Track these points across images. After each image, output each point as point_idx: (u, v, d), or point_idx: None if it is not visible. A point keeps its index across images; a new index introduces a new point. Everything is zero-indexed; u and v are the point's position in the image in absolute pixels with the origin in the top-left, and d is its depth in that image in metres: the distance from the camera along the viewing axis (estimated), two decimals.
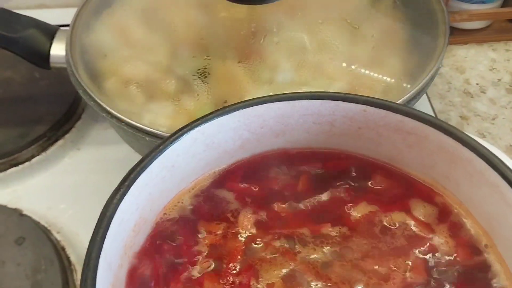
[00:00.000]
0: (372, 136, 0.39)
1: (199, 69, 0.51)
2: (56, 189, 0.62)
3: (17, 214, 0.55)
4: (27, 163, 0.63)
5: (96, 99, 0.49)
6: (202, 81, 0.51)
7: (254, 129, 0.39)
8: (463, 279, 0.33)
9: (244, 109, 0.37)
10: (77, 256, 0.54)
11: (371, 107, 0.37)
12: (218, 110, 0.37)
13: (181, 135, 0.35)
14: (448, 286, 0.32)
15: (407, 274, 0.33)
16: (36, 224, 0.55)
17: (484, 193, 0.34)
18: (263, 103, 0.37)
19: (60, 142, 0.65)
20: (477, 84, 0.70)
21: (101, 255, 0.29)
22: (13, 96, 0.69)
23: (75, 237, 0.56)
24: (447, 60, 0.74)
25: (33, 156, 0.63)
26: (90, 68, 0.54)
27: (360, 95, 0.37)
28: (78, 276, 0.52)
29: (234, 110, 0.37)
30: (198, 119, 0.36)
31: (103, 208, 0.31)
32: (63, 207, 0.59)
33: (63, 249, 0.54)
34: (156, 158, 0.34)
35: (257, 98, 0.37)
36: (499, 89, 0.70)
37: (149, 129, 0.45)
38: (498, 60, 0.74)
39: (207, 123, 0.36)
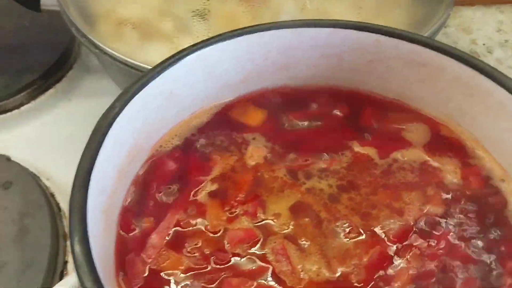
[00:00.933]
0: (383, 70, 0.37)
1: (197, 9, 0.49)
2: (46, 139, 0.59)
3: (4, 159, 0.53)
4: (15, 111, 0.60)
5: (89, 36, 0.46)
6: (201, 21, 0.48)
7: (258, 61, 0.37)
8: (479, 210, 0.31)
9: (249, 35, 0.35)
10: (67, 203, 0.52)
11: (384, 36, 0.35)
12: (220, 34, 0.34)
13: (180, 58, 0.33)
14: (465, 216, 0.30)
15: (423, 207, 0.31)
16: (25, 169, 0.52)
17: (503, 127, 0.32)
18: (269, 29, 0.35)
19: (50, 92, 0.63)
20: (484, 44, 0.68)
21: (92, 175, 0.26)
22: (2, 44, 0.66)
23: (65, 187, 0.54)
24: (453, 21, 0.72)
25: (22, 104, 0.61)
26: (82, 9, 0.52)
27: (373, 24, 0.35)
28: (68, 222, 0.50)
29: (238, 35, 0.35)
30: (199, 42, 0.34)
31: (95, 125, 0.28)
32: (53, 156, 0.57)
33: (52, 195, 0.52)
34: (153, 79, 0.32)
35: (262, 24, 0.35)
36: (506, 49, 0.67)
37: (146, 66, 0.43)
38: (505, 22, 0.71)
39: (208, 48, 0.34)
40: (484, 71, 0.32)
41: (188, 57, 0.33)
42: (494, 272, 0.29)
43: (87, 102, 0.64)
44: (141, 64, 0.43)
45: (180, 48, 0.46)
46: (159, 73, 0.32)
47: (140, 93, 0.31)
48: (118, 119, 0.29)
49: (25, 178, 0.51)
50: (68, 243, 0.48)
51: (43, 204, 0.48)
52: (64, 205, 0.51)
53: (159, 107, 0.33)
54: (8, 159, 0.53)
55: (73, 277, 0.27)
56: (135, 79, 0.31)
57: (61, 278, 0.46)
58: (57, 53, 0.64)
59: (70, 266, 0.47)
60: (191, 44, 0.44)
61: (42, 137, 0.59)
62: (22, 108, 0.61)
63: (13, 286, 0.43)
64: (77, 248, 0.23)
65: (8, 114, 0.60)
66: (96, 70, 0.68)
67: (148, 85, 0.31)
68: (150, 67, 0.41)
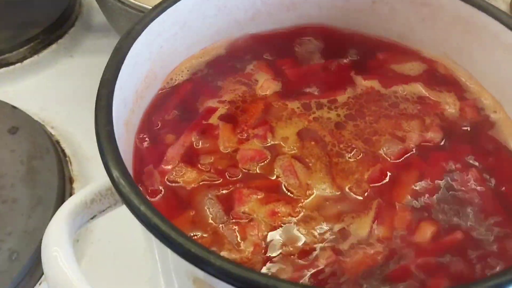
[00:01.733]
0: (385, 11, 0.39)
1: None
2: (49, 92, 0.60)
3: (9, 106, 0.54)
4: (18, 64, 0.61)
5: None
6: None
7: None
8: (474, 136, 0.33)
9: None
10: (72, 150, 0.53)
11: None
12: None
13: None
14: (462, 142, 0.33)
15: (423, 133, 0.33)
16: (30, 117, 0.53)
17: (497, 59, 0.34)
18: None
19: (53, 47, 0.64)
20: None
21: (116, 86, 0.28)
22: None
23: (69, 135, 0.55)
24: None
25: (24, 58, 0.61)
26: None
27: None
28: (73, 167, 0.51)
29: None
30: None
31: (117, 43, 0.30)
32: (56, 108, 0.58)
33: (57, 142, 0.53)
34: (169, 7, 0.33)
35: None
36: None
37: None
38: None
39: None
40: (481, 6, 0.34)
41: None
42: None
43: (88, 59, 0.65)
44: (150, 7, 0.44)
45: None
46: (175, 1, 0.33)
47: (158, 18, 0.32)
48: (138, 40, 0.31)
49: (31, 125, 0.52)
50: (74, 185, 0.49)
51: (49, 148, 0.50)
52: (69, 151, 0.53)
53: (174, 37, 0.35)
54: (13, 107, 0.54)
55: (91, 186, 0.28)
56: (154, 6, 0.32)
57: None
58: (59, 10, 0.65)
59: None
60: None
61: (44, 90, 0.60)
62: (25, 61, 0.61)
63: (24, 221, 0.44)
64: (105, 146, 0.25)
65: (11, 67, 0.61)
66: (97, 29, 0.69)
67: (165, 12, 0.33)
68: None
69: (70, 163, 0.51)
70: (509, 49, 0.33)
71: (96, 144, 0.51)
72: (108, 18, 0.54)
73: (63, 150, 0.52)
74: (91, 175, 0.51)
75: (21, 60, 0.61)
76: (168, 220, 0.22)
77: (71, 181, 0.50)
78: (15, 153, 0.49)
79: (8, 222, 0.44)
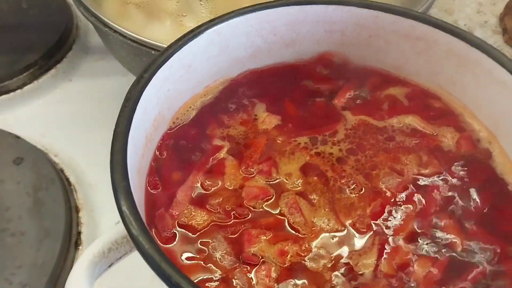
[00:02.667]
0: (381, 44, 0.40)
1: None
2: (50, 117, 0.61)
3: (13, 136, 0.54)
4: (18, 91, 0.62)
5: (99, 15, 0.48)
6: (203, 0, 0.51)
7: (266, 36, 0.39)
8: (470, 168, 0.35)
9: (257, 12, 0.38)
10: (76, 177, 0.54)
11: (383, 13, 0.38)
12: (232, 11, 0.37)
13: (199, 32, 0.36)
14: (458, 174, 0.34)
15: (419, 167, 0.35)
16: (33, 146, 0.54)
17: (491, 93, 0.36)
18: (277, 7, 0.38)
19: (52, 72, 0.64)
20: (465, 25, 0.72)
21: (129, 137, 0.29)
22: (1, 24, 0.67)
23: (72, 161, 0.56)
24: (436, 3, 0.75)
25: (24, 84, 0.62)
26: None
27: (373, 1, 0.38)
28: (78, 195, 0.52)
29: (248, 12, 0.37)
30: (214, 19, 0.36)
31: (127, 93, 0.31)
32: (58, 134, 0.59)
33: (61, 170, 0.54)
34: (176, 52, 0.34)
35: (271, 1, 0.38)
36: (486, 30, 0.72)
37: (155, 43, 0.45)
38: (484, 3, 0.76)
39: (223, 23, 0.37)
40: (474, 43, 0.36)
41: (207, 31, 0.35)
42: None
43: (87, 82, 0.66)
44: (152, 41, 0.45)
45: (185, 27, 0.49)
46: (181, 45, 0.34)
47: (165, 64, 0.33)
48: (147, 88, 0.32)
49: (35, 154, 0.53)
50: (80, 214, 0.50)
51: (54, 178, 0.51)
52: (73, 179, 0.54)
53: (180, 79, 0.36)
54: (16, 136, 0.55)
55: (107, 236, 0.29)
56: (161, 52, 0.33)
57: (76, 247, 0.48)
58: (56, 35, 0.66)
59: (84, 236, 0.49)
60: (196, 22, 0.47)
61: (45, 116, 0.61)
62: (25, 88, 0.62)
63: (33, 254, 0.45)
64: (123, 201, 0.26)
65: (11, 94, 0.62)
66: (95, 51, 0.70)
67: (172, 57, 0.34)
68: (159, 44, 0.44)
69: (75, 191, 0.52)
70: (502, 85, 0.34)
71: (98, 169, 0.52)
72: (108, 47, 0.55)
73: (67, 179, 0.53)
74: (95, 203, 0.52)
75: (21, 86, 0.62)
76: (187, 279, 0.23)
77: (77, 210, 0.51)
78: (20, 185, 0.50)
79: (18, 255, 0.45)
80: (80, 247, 0.48)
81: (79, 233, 0.49)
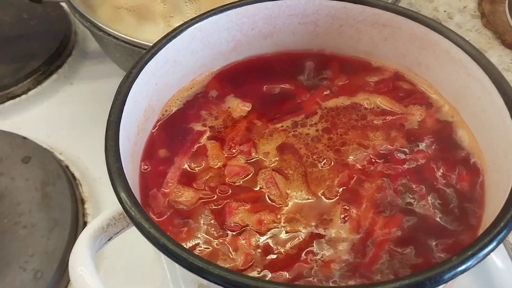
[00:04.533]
0: (352, 33, 0.43)
1: None
2: (54, 119, 0.65)
3: (20, 137, 0.58)
4: (23, 96, 0.66)
5: (93, 20, 0.52)
6: (190, 2, 0.54)
7: (246, 31, 0.43)
8: (435, 141, 0.38)
9: (236, 9, 0.41)
10: (80, 173, 0.58)
11: (350, 3, 0.41)
12: (213, 9, 0.41)
13: (182, 30, 0.39)
14: (423, 146, 0.38)
15: (386, 142, 0.38)
16: (39, 146, 0.58)
17: (450, 71, 0.39)
18: (254, 3, 0.41)
19: (54, 77, 0.68)
20: (445, 11, 0.75)
21: (120, 126, 0.33)
22: (4, 35, 0.71)
23: (76, 159, 0.60)
24: None
25: (29, 89, 0.66)
26: None
27: None
28: (83, 189, 0.56)
29: (227, 9, 0.41)
30: (196, 17, 0.40)
31: (118, 87, 0.35)
32: (62, 134, 0.63)
33: (67, 167, 0.58)
34: (161, 49, 0.38)
35: None
36: (465, 15, 0.75)
37: (147, 43, 0.49)
38: None
39: (204, 21, 0.40)
40: (432, 26, 0.39)
41: (189, 28, 0.39)
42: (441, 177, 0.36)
43: (87, 85, 0.70)
44: (143, 42, 0.49)
45: (172, 27, 0.53)
46: (165, 43, 0.38)
47: (152, 60, 0.37)
48: (135, 82, 0.35)
49: (41, 153, 0.57)
50: (86, 206, 0.54)
51: (61, 174, 0.55)
52: (78, 174, 0.58)
53: (166, 73, 0.40)
54: (24, 138, 0.58)
55: (106, 213, 0.33)
56: (147, 49, 0.37)
57: None
58: (57, 41, 0.70)
59: None
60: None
61: (49, 118, 0.65)
62: (29, 93, 0.66)
63: (44, 243, 0.49)
64: (116, 180, 0.30)
65: (17, 99, 0.66)
66: (93, 56, 0.74)
67: (157, 54, 0.37)
68: (151, 44, 0.48)
69: (80, 185, 0.56)
70: (458, 63, 0.38)
71: (101, 165, 0.56)
72: (104, 50, 0.59)
73: (72, 174, 0.57)
74: (100, 195, 0.56)
75: (25, 92, 0.66)
76: (174, 240, 0.26)
77: (82, 202, 0.54)
78: (29, 181, 0.54)
79: (30, 245, 0.49)
80: None
81: (85, 223, 0.53)
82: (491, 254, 0.48)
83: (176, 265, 0.32)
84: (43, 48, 0.69)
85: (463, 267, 0.25)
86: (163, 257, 0.34)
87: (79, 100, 0.68)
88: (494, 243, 0.27)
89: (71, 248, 0.49)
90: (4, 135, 0.59)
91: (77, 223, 0.52)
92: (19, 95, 0.66)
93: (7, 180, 0.54)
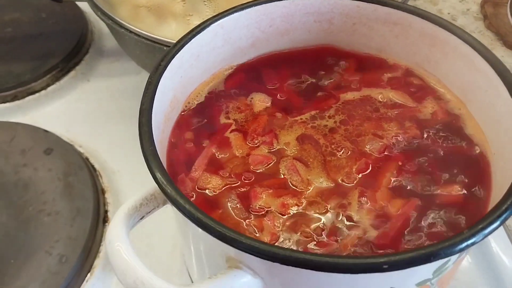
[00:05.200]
0: (365, 31, 0.46)
1: None
2: (72, 114, 0.67)
3: (41, 130, 0.61)
4: (43, 92, 0.68)
5: (115, 17, 0.54)
6: (209, 1, 0.57)
7: (264, 28, 0.46)
8: (444, 131, 0.40)
9: (256, 7, 0.44)
10: (100, 165, 0.60)
11: (363, 3, 0.44)
12: (233, 7, 0.43)
13: (205, 27, 0.42)
14: (434, 136, 0.40)
15: (398, 131, 0.41)
16: (60, 139, 0.60)
17: (458, 66, 0.41)
18: (271, 2, 0.44)
19: (71, 74, 0.71)
20: (449, 13, 0.78)
21: (152, 114, 0.35)
22: (24, 34, 0.73)
23: (95, 152, 0.62)
24: None
25: (48, 85, 0.69)
26: None
27: None
28: (103, 180, 0.58)
29: (247, 7, 0.43)
30: (218, 14, 0.42)
31: (148, 78, 0.37)
32: (80, 128, 0.65)
33: (87, 159, 0.60)
34: (186, 44, 0.40)
35: None
36: (468, 17, 0.77)
37: (168, 40, 0.51)
38: None
39: (226, 18, 0.43)
40: (442, 24, 0.41)
41: (212, 25, 0.41)
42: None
43: (103, 82, 0.72)
44: (164, 39, 0.51)
45: (192, 25, 0.55)
46: (190, 38, 0.40)
47: (178, 54, 0.39)
48: (164, 74, 0.38)
49: (62, 145, 0.59)
50: (106, 195, 0.56)
51: (82, 165, 0.57)
52: (98, 166, 0.60)
53: (190, 67, 0.42)
54: (45, 130, 0.61)
55: (138, 194, 0.35)
56: (174, 44, 0.40)
57: (104, 224, 0.54)
58: (74, 40, 0.72)
59: (110, 214, 0.55)
60: (201, 21, 0.53)
61: (68, 113, 0.68)
62: (49, 88, 0.69)
63: (67, 229, 0.51)
64: (152, 161, 0.32)
65: (37, 94, 0.68)
66: (109, 54, 0.76)
67: (183, 48, 0.40)
68: (171, 41, 0.50)
69: (101, 176, 0.58)
70: (465, 58, 0.40)
71: (119, 159, 0.58)
72: (123, 47, 0.61)
73: (93, 166, 0.59)
74: (119, 186, 0.58)
75: (45, 87, 0.69)
76: (206, 213, 0.29)
77: (103, 192, 0.57)
78: (52, 172, 0.56)
79: (55, 231, 0.51)
80: (107, 224, 0.54)
81: (106, 211, 0.55)
82: (500, 252, 0.51)
83: (202, 242, 0.34)
84: (61, 46, 0.72)
85: (473, 239, 0.28)
86: (190, 236, 0.36)
87: (96, 96, 0.70)
88: (499, 220, 0.29)
89: (94, 235, 0.52)
90: (27, 128, 0.61)
91: (99, 212, 0.54)
92: (38, 91, 0.68)
93: (30, 170, 0.56)
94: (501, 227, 0.51)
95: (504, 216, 0.29)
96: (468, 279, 0.50)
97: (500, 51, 0.72)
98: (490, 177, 0.37)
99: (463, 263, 0.51)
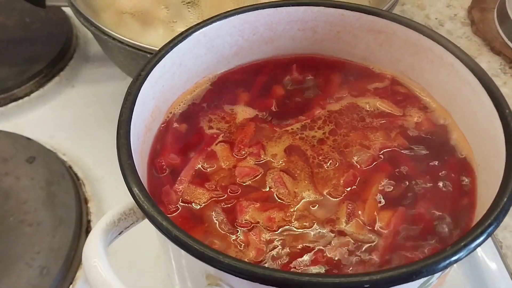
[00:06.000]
0: (349, 39, 0.45)
1: None
2: (56, 121, 0.67)
3: (24, 138, 0.60)
4: (26, 98, 0.68)
5: (98, 24, 0.53)
6: (192, 8, 0.56)
7: (247, 36, 0.45)
8: (431, 142, 0.40)
9: (239, 15, 0.43)
10: (83, 173, 0.59)
11: (347, 11, 0.43)
12: (216, 15, 0.42)
13: (187, 35, 0.41)
14: (421, 146, 0.40)
15: (385, 141, 0.40)
16: (43, 147, 0.59)
17: (442, 75, 0.41)
18: (255, 9, 0.43)
19: (56, 79, 0.70)
20: (436, 18, 0.78)
21: (131, 125, 0.34)
22: (8, 38, 0.72)
23: (79, 160, 0.62)
24: None
25: (31, 92, 0.68)
26: (86, 2, 0.59)
27: (339, 1, 0.44)
28: (87, 188, 0.58)
29: (230, 15, 0.43)
30: (200, 22, 0.42)
31: (128, 89, 0.36)
32: (65, 135, 0.64)
33: (70, 167, 0.59)
34: (168, 53, 0.40)
35: (249, 5, 0.43)
36: (455, 22, 0.77)
37: (151, 47, 0.51)
38: None
39: (208, 26, 0.42)
40: (425, 33, 0.41)
41: (194, 33, 0.41)
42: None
43: (88, 87, 0.72)
44: (147, 46, 0.51)
45: (177, 32, 0.54)
46: (172, 47, 0.40)
47: (159, 63, 0.39)
48: (144, 84, 0.37)
49: (45, 153, 0.58)
50: (89, 205, 0.56)
51: (65, 173, 0.56)
52: (81, 174, 0.59)
53: (172, 76, 0.41)
54: (28, 138, 0.60)
55: (116, 208, 0.34)
56: (155, 53, 0.39)
57: (87, 234, 0.54)
58: (59, 45, 0.72)
59: (93, 224, 0.55)
60: (185, 27, 0.53)
61: (52, 120, 0.67)
62: (32, 95, 0.68)
63: (49, 240, 0.50)
64: (129, 176, 0.31)
65: (20, 101, 0.67)
66: (94, 59, 0.75)
67: (164, 57, 0.39)
68: (154, 48, 0.50)
69: (84, 185, 0.58)
70: (450, 67, 0.40)
71: (103, 166, 0.57)
72: (107, 53, 0.61)
73: (76, 174, 0.59)
74: (103, 194, 0.57)
75: (28, 94, 0.68)
76: (185, 231, 0.28)
77: (86, 201, 0.56)
78: (34, 180, 0.55)
79: (36, 242, 0.50)
80: None
81: (89, 221, 0.54)
82: (485, 258, 0.51)
83: (183, 257, 0.34)
84: (45, 51, 0.71)
85: (456, 256, 0.27)
86: (170, 250, 0.35)
87: (81, 102, 0.69)
88: (484, 236, 0.29)
89: (76, 246, 0.51)
90: (9, 136, 0.60)
91: (81, 221, 0.54)
92: (22, 97, 0.67)
93: (12, 179, 0.55)
94: (492, 244, 0.51)
95: (488, 231, 0.29)
96: (453, 284, 0.50)
97: (487, 57, 0.72)
98: (475, 188, 0.37)
99: (454, 281, 0.51)
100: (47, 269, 0.48)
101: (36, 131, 0.63)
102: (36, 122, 0.66)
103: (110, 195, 0.58)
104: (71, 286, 0.49)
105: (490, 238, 0.50)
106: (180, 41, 0.41)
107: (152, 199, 0.30)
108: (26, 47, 0.71)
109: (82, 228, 0.53)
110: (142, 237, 0.51)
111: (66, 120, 0.67)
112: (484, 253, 0.52)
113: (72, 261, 0.50)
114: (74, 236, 0.51)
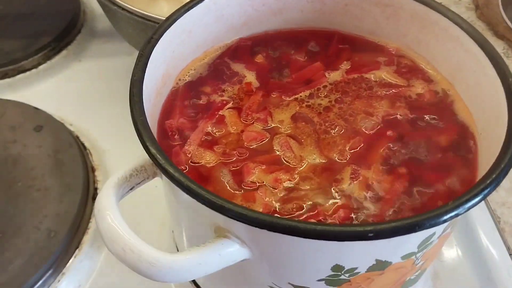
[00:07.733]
0: (357, 12, 0.46)
1: None
2: (63, 94, 0.67)
3: (32, 107, 0.61)
4: (34, 70, 0.68)
5: None
6: None
7: (257, 6, 0.46)
8: (434, 111, 0.41)
9: None
10: (90, 143, 0.60)
11: None
12: None
13: (198, 2, 0.42)
14: (424, 115, 0.41)
15: (389, 110, 0.41)
16: (51, 116, 0.60)
17: (448, 48, 0.42)
18: None
19: (63, 53, 0.71)
20: (441, 3, 0.78)
21: (143, 85, 0.35)
22: (16, 12, 0.73)
23: (86, 131, 0.62)
24: None
25: (39, 64, 0.68)
26: None
27: None
28: (93, 158, 0.58)
29: None
30: None
31: (140, 50, 0.37)
32: (71, 108, 0.65)
33: (77, 137, 0.60)
34: (178, 19, 0.40)
35: None
36: (460, 7, 0.78)
37: (160, 17, 0.51)
38: None
39: None
40: (432, 6, 0.42)
41: (205, 1, 0.42)
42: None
43: (95, 62, 0.72)
44: (156, 16, 0.51)
45: (184, 2, 0.55)
46: (183, 13, 0.40)
47: (170, 28, 0.39)
48: (155, 47, 0.38)
49: (53, 123, 0.59)
50: (96, 173, 0.56)
51: (72, 142, 0.57)
52: (88, 144, 0.60)
53: (182, 43, 0.42)
54: (35, 108, 0.61)
55: (129, 164, 0.35)
56: (166, 18, 0.40)
57: (93, 201, 0.55)
58: (66, 19, 0.72)
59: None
60: None
61: (58, 92, 0.67)
62: (40, 67, 0.69)
63: (56, 205, 0.51)
64: (142, 130, 0.32)
65: (28, 73, 0.68)
66: (101, 35, 0.76)
67: (175, 22, 0.40)
68: (163, 18, 0.50)
69: (91, 154, 0.58)
70: (456, 40, 0.41)
71: (109, 138, 0.58)
72: (115, 25, 0.61)
73: (83, 144, 0.59)
74: (109, 165, 0.58)
75: (36, 66, 0.68)
76: (196, 182, 0.29)
77: (93, 170, 0.57)
78: (42, 148, 0.56)
79: (44, 206, 0.51)
80: None
81: (95, 189, 0.55)
82: (488, 245, 0.52)
83: (192, 212, 0.35)
84: (53, 25, 0.71)
85: (456, 211, 0.28)
86: (180, 206, 0.36)
87: (87, 76, 0.70)
88: (481, 195, 0.30)
89: (83, 211, 0.52)
90: (17, 105, 0.61)
91: (88, 189, 0.54)
92: (29, 69, 0.68)
93: (20, 147, 0.56)
94: (490, 219, 0.52)
95: (486, 191, 0.30)
96: (457, 271, 0.51)
97: (491, 41, 0.73)
98: (476, 155, 0.38)
99: (452, 255, 0.52)
100: (55, 232, 0.49)
101: (43, 102, 0.64)
102: (43, 94, 0.67)
103: (116, 165, 0.59)
104: (77, 250, 0.50)
105: (494, 224, 0.52)
106: (191, 8, 0.41)
107: (164, 153, 0.31)
108: (34, 21, 0.72)
109: (89, 195, 0.54)
110: (148, 206, 0.53)
111: (72, 93, 0.67)
112: (482, 229, 0.53)
113: (79, 226, 0.51)
114: (81, 202, 0.52)
